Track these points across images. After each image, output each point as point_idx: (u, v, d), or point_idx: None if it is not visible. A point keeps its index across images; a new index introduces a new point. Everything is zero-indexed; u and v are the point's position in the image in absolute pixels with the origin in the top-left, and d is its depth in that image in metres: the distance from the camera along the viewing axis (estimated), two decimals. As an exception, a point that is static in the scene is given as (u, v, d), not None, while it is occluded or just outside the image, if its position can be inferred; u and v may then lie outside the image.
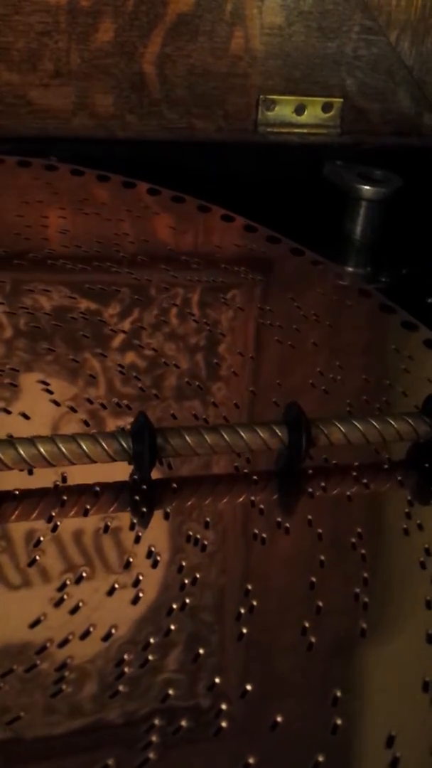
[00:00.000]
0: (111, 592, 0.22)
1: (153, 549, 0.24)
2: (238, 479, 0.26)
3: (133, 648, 0.21)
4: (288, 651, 0.22)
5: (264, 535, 0.25)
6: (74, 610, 0.22)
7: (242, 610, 0.22)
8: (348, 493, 0.26)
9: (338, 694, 0.21)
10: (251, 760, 0.19)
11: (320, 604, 0.23)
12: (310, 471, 0.27)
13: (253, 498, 0.26)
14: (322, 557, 0.24)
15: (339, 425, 0.26)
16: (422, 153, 0.53)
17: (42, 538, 0.23)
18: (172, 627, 0.22)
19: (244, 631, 0.22)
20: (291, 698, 0.21)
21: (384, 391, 0.31)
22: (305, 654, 0.22)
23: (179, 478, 0.26)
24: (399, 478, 0.27)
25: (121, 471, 0.25)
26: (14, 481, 0.25)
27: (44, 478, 0.25)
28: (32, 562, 0.23)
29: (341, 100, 0.51)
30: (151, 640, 0.21)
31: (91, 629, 0.21)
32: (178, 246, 0.38)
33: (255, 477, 0.26)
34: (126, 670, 0.20)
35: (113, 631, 0.21)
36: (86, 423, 0.27)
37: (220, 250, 0.38)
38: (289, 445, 0.26)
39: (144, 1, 0.45)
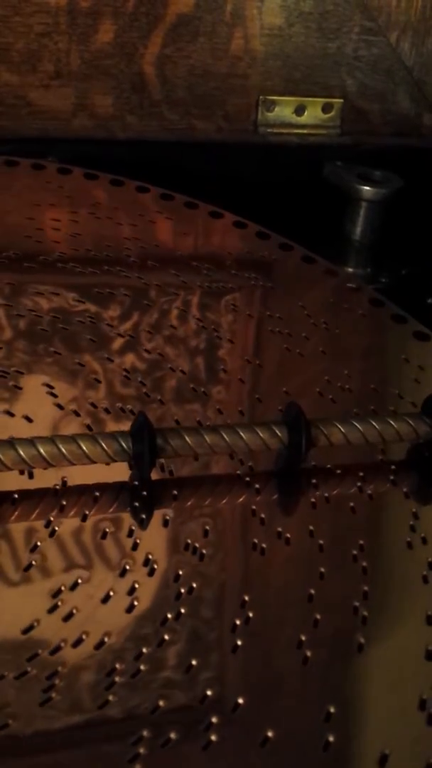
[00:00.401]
0: (106, 599, 0.22)
1: (150, 556, 0.23)
2: (238, 480, 0.26)
3: (124, 657, 0.21)
4: (282, 665, 0.21)
5: (263, 545, 0.24)
6: (68, 617, 0.21)
7: (238, 622, 0.22)
8: (349, 495, 0.26)
9: (332, 710, 0.20)
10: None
11: (318, 617, 0.22)
12: (310, 471, 0.27)
13: (252, 501, 0.25)
14: (322, 569, 0.24)
15: (339, 425, 0.26)
16: (422, 153, 0.53)
17: (39, 543, 0.23)
18: (166, 637, 0.21)
19: (239, 643, 0.21)
20: (283, 713, 0.20)
21: (394, 401, 0.31)
22: (300, 668, 0.21)
23: (179, 479, 0.26)
24: (399, 477, 0.27)
25: (120, 472, 0.25)
26: (14, 482, 0.24)
27: (44, 480, 0.25)
28: (28, 567, 0.23)
29: (341, 100, 0.51)
30: (144, 650, 0.21)
31: (84, 637, 0.21)
32: (193, 252, 0.38)
33: (255, 478, 0.26)
34: (117, 679, 0.20)
35: (106, 639, 0.21)
36: (89, 427, 0.27)
37: (230, 256, 0.38)
38: (289, 446, 0.26)
39: (144, 2, 0.45)
